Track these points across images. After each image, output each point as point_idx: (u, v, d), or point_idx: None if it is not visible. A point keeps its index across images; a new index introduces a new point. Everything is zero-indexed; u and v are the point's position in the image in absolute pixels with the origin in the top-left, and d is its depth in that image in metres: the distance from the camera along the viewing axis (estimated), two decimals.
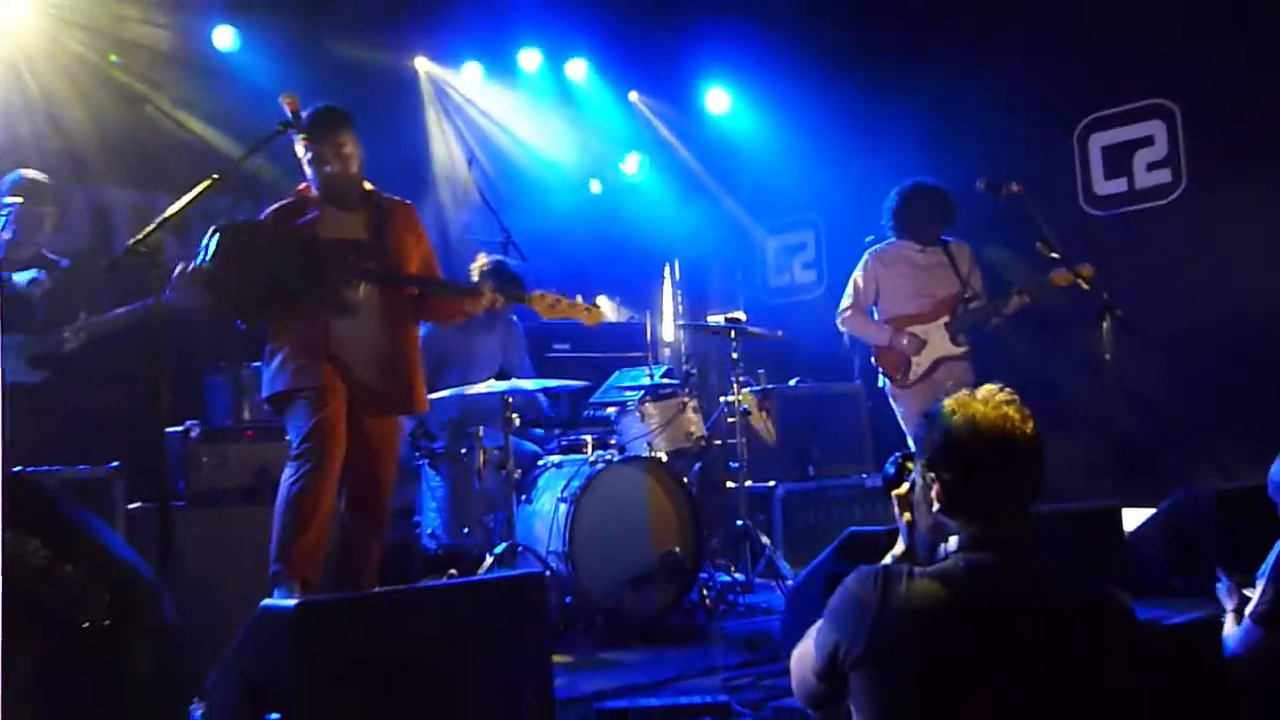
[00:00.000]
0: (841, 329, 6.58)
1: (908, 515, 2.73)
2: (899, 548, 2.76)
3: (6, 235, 5.40)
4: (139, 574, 2.30)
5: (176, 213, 3.90)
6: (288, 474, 4.48)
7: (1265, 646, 3.40)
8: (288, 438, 4.63)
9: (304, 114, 4.42)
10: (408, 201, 5.04)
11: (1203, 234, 6.95)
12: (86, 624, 2.16)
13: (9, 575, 2.18)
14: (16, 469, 4.89)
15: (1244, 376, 6.61)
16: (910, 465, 2.76)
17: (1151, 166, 7.40)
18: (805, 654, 2.58)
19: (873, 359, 6.50)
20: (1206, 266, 6.88)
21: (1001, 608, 2.37)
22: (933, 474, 2.51)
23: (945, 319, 6.23)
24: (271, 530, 4.43)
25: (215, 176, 3.96)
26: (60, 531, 2.12)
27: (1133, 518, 5.10)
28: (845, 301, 6.45)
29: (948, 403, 2.53)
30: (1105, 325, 5.67)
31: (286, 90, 4.18)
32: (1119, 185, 7.55)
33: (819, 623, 2.53)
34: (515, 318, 6.73)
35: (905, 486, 2.75)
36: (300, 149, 4.68)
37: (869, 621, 2.38)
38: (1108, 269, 5.90)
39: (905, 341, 6.21)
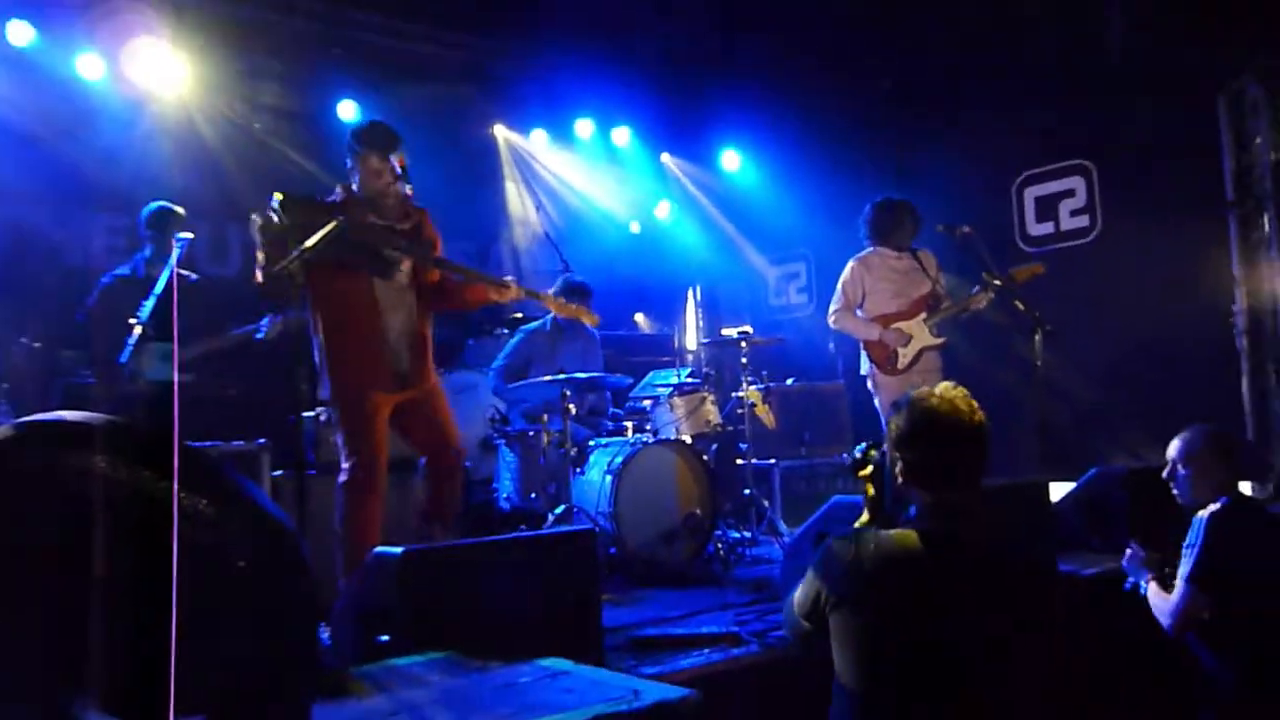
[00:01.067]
0: (833, 327, 6.31)
1: (870, 489, 2.73)
2: (864, 517, 2.76)
3: (174, 260, 5.12)
4: (283, 525, 2.31)
5: (311, 246, 3.88)
6: (347, 470, 4.19)
7: (1202, 603, 3.35)
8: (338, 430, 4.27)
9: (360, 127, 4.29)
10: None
11: (1114, 267, 6.94)
12: (243, 563, 2.16)
13: (182, 527, 2.19)
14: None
15: (1145, 378, 6.58)
16: (872, 453, 2.76)
17: (1074, 213, 7.35)
18: (795, 600, 2.58)
19: (863, 352, 6.24)
20: (1117, 291, 6.88)
21: (950, 560, 2.37)
22: (898, 453, 2.50)
23: (923, 315, 6.05)
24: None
25: (341, 218, 3.88)
26: (221, 490, 2.12)
27: (1057, 490, 5.06)
28: (835, 304, 6.21)
29: (911, 394, 2.53)
30: (1037, 338, 5.62)
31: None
32: (1048, 227, 7.49)
33: (807, 574, 2.53)
34: (594, 331, 6.63)
35: (868, 469, 2.74)
36: (349, 158, 4.39)
37: (843, 572, 2.38)
38: (1039, 294, 5.85)
39: (893, 335, 6.02)
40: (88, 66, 6.91)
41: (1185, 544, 3.46)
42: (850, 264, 6.24)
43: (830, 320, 6.26)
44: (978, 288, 5.84)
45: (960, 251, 5.99)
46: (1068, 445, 6.48)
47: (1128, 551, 3.76)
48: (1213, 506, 3.47)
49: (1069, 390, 6.63)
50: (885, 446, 2.68)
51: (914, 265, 6.15)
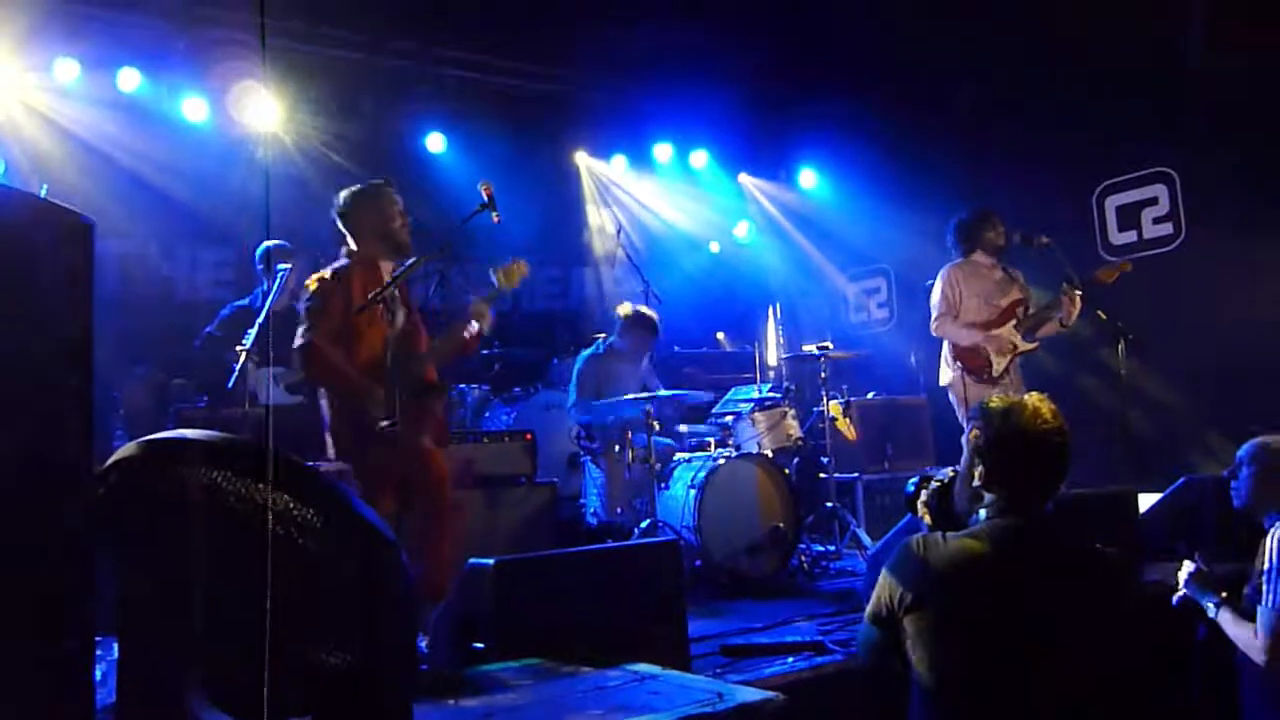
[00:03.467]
0: (936, 334, 6.06)
1: (928, 519, 2.74)
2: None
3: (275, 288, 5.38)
4: (386, 537, 2.40)
5: (403, 274, 3.99)
6: None
7: None
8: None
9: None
10: None
11: (1199, 274, 6.74)
12: (349, 572, 2.25)
13: (291, 536, 2.27)
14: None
15: (1232, 386, 6.36)
16: (926, 484, 2.77)
17: (1157, 221, 7.18)
18: (867, 614, 2.59)
19: (948, 362, 6.05)
20: (1203, 299, 6.67)
21: (1019, 559, 2.38)
22: (979, 459, 2.51)
23: (1013, 323, 5.89)
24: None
25: (441, 249, 3.99)
26: (330, 503, 2.22)
27: (1146, 501, 4.96)
28: (937, 310, 6.00)
29: (994, 402, 2.54)
30: (1121, 348, 5.55)
31: (483, 179, 4.10)
32: (1130, 236, 7.32)
33: (879, 579, 2.55)
34: (651, 353, 6.69)
35: (923, 497, 2.76)
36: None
37: (915, 573, 2.41)
38: (1123, 303, 5.77)
39: (995, 342, 5.85)
40: (192, 109, 7.26)
41: (1265, 568, 3.21)
42: (947, 271, 6.08)
43: (933, 328, 6.06)
44: (1062, 295, 5.72)
45: (1041, 263, 5.93)
46: (1154, 454, 6.35)
47: (1189, 566, 3.55)
48: None
49: (1155, 399, 6.49)
50: (948, 472, 2.71)
51: (1005, 274, 6.04)
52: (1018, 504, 2.44)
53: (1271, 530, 3.29)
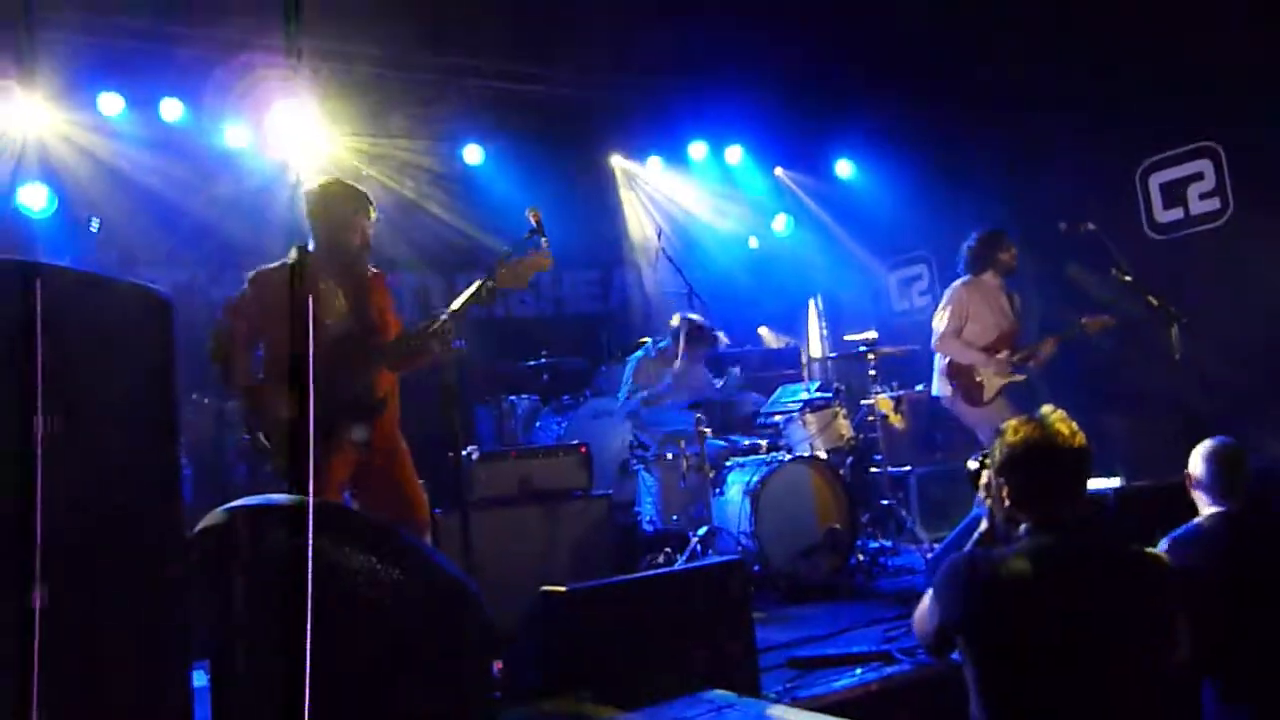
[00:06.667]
0: (938, 350, 6.13)
1: (989, 500, 2.76)
2: (984, 526, 2.79)
3: None
4: (457, 580, 2.44)
5: (467, 302, 3.95)
6: None
7: None
8: None
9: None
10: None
11: (1250, 247, 6.61)
12: (424, 620, 2.30)
13: (352, 583, 2.32)
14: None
15: None
16: (986, 462, 2.79)
17: (1203, 196, 7.06)
18: (923, 615, 2.63)
19: (941, 377, 6.11)
20: (1256, 272, 6.54)
21: (1059, 575, 2.41)
22: (1001, 479, 2.55)
23: (1007, 352, 5.96)
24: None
25: (492, 282, 3.88)
26: (402, 555, 2.26)
27: None
28: (942, 326, 6.06)
29: (1010, 424, 2.58)
30: (1174, 331, 5.49)
31: (530, 205, 4.08)
32: (1177, 214, 7.20)
33: (929, 593, 2.58)
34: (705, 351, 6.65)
35: (984, 477, 2.78)
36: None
37: (963, 599, 2.44)
38: (1172, 282, 5.70)
39: (998, 364, 5.90)
40: (234, 135, 7.35)
41: None
42: (957, 289, 6.15)
43: (935, 344, 6.11)
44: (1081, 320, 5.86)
45: (1084, 245, 5.87)
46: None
47: None
48: None
49: (1213, 380, 6.40)
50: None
51: (1007, 298, 6.12)
52: (1052, 518, 2.47)
53: None
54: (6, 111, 6.21)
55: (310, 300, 3.55)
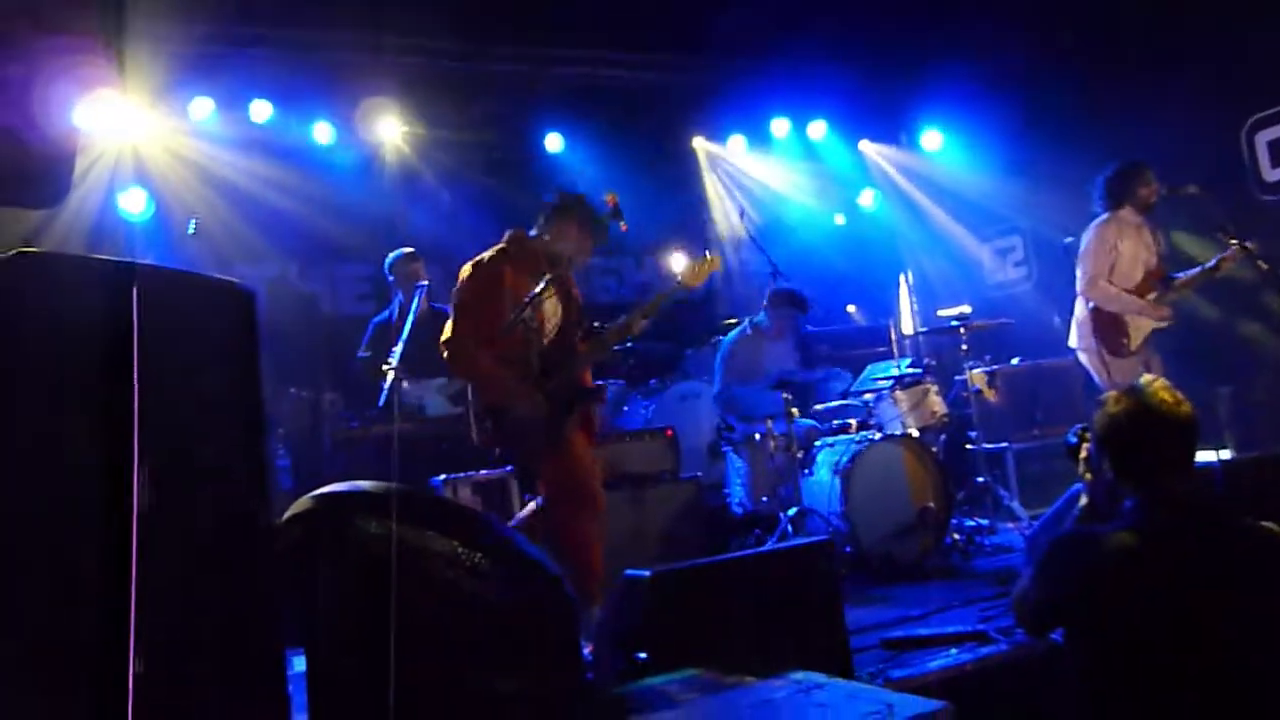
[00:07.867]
0: (1088, 295, 5.65)
1: (1089, 475, 2.69)
2: (1083, 501, 2.72)
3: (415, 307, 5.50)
4: (547, 569, 2.46)
5: (536, 299, 4.03)
6: None
7: None
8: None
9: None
10: None
11: None
12: (518, 608, 2.33)
13: (436, 567, 2.35)
14: (439, 478, 5.30)
15: None
16: (1086, 435, 2.71)
17: None
18: (1023, 593, 2.57)
19: (1080, 327, 5.72)
20: None
21: (1171, 551, 2.33)
22: (1105, 453, 2.48)
23: (1155, 292, 5.60)
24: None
25: (550, 277, 4.04)
26: (495, 544, 2.30)
27: None
28: (1091, 269, 5.60)
29: (1111, 394, 2.50)
30: None
31: (608, 189, 4.14)
32: None
33: (1030, 571, 2.53)
34: (797, 332, 6.61)
35: (1084, 451, 2.71)
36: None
37: (1068, 577, 2.38)
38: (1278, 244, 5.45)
39: (1154, 310, 5.51)
40: (321, 132, 7.54)
41: None
42: (1098, 227, 5.69)
43: (1083, 288, 5.67)
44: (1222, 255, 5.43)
45: (1189, 208, 5.64)
46: None
47: None
48: None
49: None
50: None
51: (1151, 235, 5.73)
52: (1158, 492, 2.38)
53: None
54: (105, 121, 6.46)
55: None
